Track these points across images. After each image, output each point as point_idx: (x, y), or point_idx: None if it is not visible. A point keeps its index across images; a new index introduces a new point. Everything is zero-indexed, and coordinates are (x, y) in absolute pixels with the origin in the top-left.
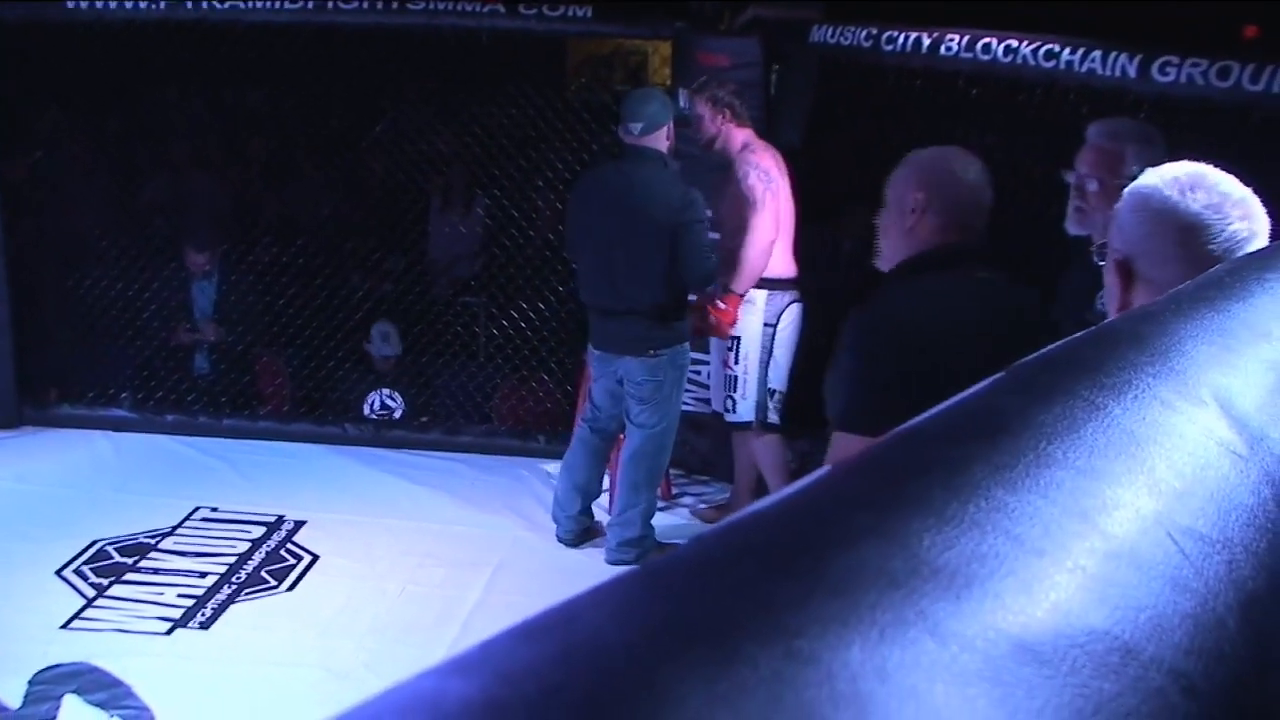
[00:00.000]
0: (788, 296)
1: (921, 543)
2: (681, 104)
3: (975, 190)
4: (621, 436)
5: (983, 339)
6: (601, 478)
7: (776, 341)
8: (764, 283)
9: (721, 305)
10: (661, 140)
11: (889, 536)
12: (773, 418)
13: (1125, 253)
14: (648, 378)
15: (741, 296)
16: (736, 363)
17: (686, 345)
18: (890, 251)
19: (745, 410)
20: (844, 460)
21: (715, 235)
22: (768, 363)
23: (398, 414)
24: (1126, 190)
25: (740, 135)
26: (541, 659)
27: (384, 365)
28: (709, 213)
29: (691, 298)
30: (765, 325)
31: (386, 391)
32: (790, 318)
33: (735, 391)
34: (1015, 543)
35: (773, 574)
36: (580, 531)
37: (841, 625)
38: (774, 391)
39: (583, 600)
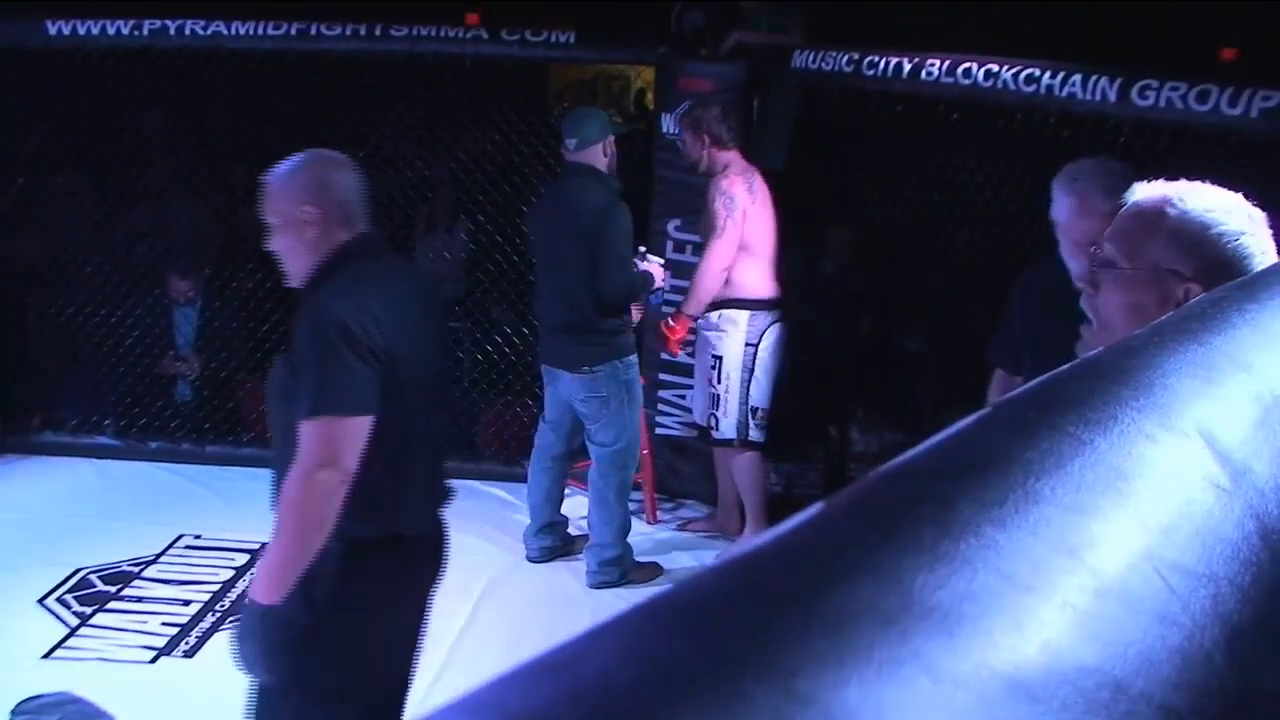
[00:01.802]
0: (769, 317)
1: (915, 581)
2: (666, 128)
3: (354, 184)
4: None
5: (410, 315)
6: (558, 496)
7: (758, 361)
8: (746, 304)
9: (671, 323)
10: (597, 156)
11: (882, 574)
12: (754, 435)
13: (1189, 274)
14: (589, 395)
15: (692, 318)
16: (719, 381)
17: (631, 359)
18: (299, 269)
19: (727, 428)
20: (836, 496)
21: (693, 252)
22: (749, 382)
23: None
24: (1180, 210)
25: (723, 159)
26: (549, 700)
27: None
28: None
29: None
30: (747, 345)
31: None
32: (771, 337)
33: (718, 409)
34: (1006, 580)
35: (771, 612)
36: (544, 550)
37: (838, 664)
38: (756, 409)
39: (588, 638)
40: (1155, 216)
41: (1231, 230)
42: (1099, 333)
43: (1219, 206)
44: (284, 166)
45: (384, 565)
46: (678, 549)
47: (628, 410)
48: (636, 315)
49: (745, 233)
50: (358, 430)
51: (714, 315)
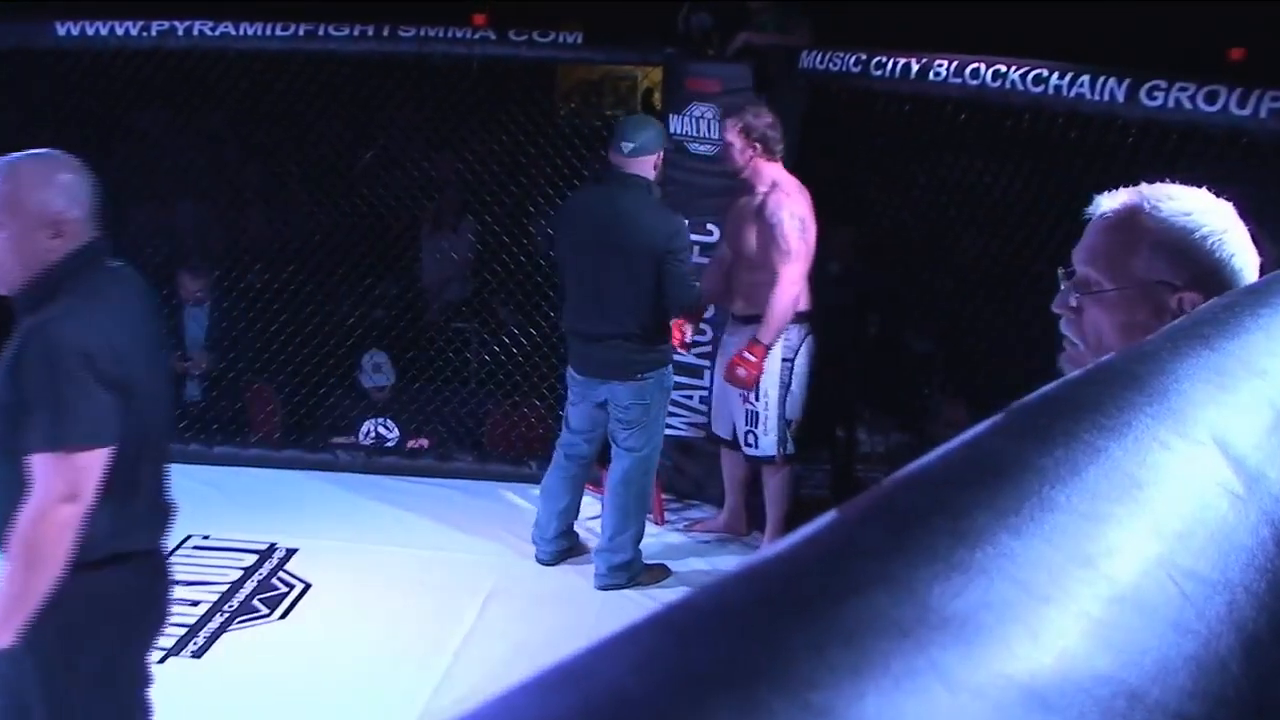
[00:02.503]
0: (804, 330)
1: (930, 591)
2: (673, 129)
3: (89, 187)
4: (598, 466)
5: (144, 333)
6: (579, 502)
7: (795, 375)
8: None
9: (750, 357)
10: (649, 167)
11: (898, 584)
12: (790, 448)
13: (1181, 283)
14: (635, 401)
15: (768, 347)
16: (757, 399)
17: (670, 367)
18: (17, 272)
19: (768, 445)
20: (849, 505)
21: (704, 259)
22: (786, 398)
23: (391, 443)
24: (1159, 217)
25: (769, 171)
26: (565, 712)
27: (378, 395)
28: (715, 232)
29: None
30: (784, 360)
31: (381, 420)
32: (806, 351)
33: (757, 427)
34: (1022, 589)
35: (788, 623)
36: (558, 553)
37: (855, 674)
38: (790, 422)
39: (602, 649)
40: (1131, 227)
41: (1214, 230)
42: (1089, 356)
43: (1197, 208)
44: (20, 164)
45: (114, 584)
46: (685, 550)
47: (661, 417)
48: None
49: None
50: (98, 461)
51: (744, 330)
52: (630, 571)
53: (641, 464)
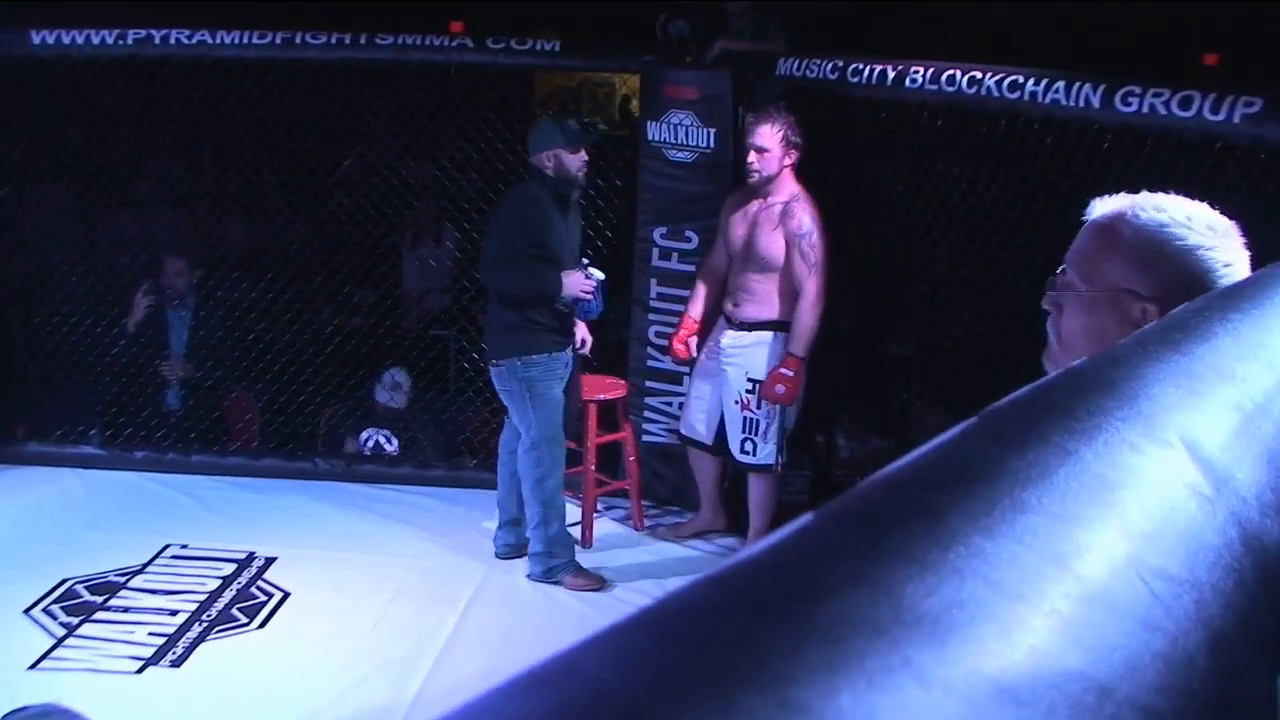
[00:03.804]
0: None
1: (905, 590)
2: (651, 136)
3: None
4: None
5: None
6: (518, 495)
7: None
8: (785, 325)
9: (787, 373)
10: (541, 162)
11: (873, 584)
12: (785, 456)
13: (1146, 294)
14: (499, 388)
15: (803, 360)
16: (759, 406)
17: (534, 359)
18: None
19: (766, 454)
20: (825, 507)
21: (684, 266)
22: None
23: (391, 454)
24: (1136, 225)
25: (788, 179)
26: (544, 711)
27: (385, 412)
28: (694, 239)
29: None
30: None
31: (384, 432)
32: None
33: (756, 435)
34: (994, 588)
35: (765, 622)
36: (506, 547)
37: (831, 673)
38: (786, 429)
39: (583, 649)
40: (1111, 233)
41: (1191, 243)
42: (1061, 355)
43: (1177, 219)
44: None
45: None
46: (663, 553)
47: (533, 411)
48: (583, 331)
49: None
50: None
51: (748, 337)
52: (545, 565)
53: (526, 457)
